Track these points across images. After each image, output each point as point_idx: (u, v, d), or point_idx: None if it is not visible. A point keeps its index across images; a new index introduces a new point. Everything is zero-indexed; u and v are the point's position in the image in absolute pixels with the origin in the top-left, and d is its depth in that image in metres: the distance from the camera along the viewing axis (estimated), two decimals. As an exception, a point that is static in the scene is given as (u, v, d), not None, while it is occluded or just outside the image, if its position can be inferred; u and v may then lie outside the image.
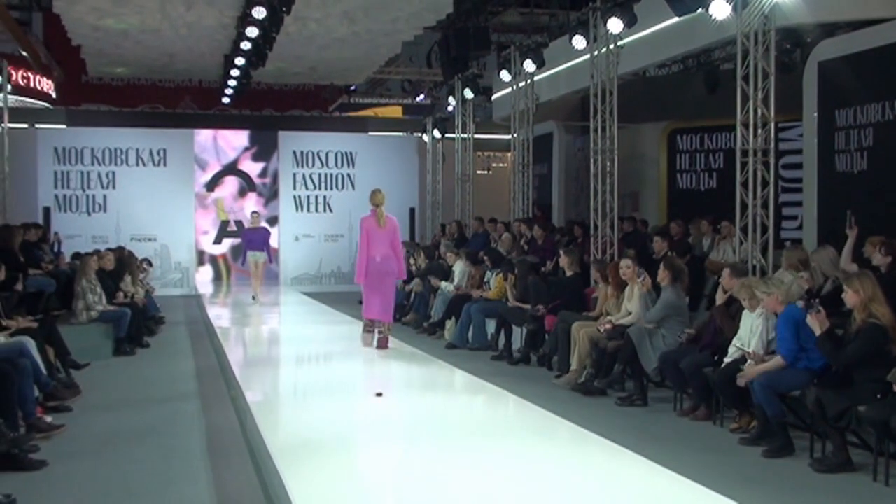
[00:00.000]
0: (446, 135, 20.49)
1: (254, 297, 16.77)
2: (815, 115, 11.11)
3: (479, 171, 21.55)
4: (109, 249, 13.65)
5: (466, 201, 18.78)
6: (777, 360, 6.90)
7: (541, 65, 14.98)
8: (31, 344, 8.06)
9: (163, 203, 20.73)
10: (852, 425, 6.25)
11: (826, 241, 9.20)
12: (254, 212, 17.79)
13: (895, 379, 5.85)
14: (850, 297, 6.40)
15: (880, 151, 10.15)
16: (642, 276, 8.95)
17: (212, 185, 21.60)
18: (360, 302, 11.47)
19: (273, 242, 19.36)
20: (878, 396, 5.98)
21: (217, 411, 8.27)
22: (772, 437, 6.78)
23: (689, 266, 10.21)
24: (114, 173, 20.79)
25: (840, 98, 10.71)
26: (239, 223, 21.60)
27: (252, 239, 16.70)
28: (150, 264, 16.61)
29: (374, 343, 10.55)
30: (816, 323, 6.41)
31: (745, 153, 9.97)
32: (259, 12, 13.54)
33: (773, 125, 9.89)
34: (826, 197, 10.91)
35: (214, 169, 21.62)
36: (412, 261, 15.26)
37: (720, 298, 8.08)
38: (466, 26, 15.94)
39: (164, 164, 21.03)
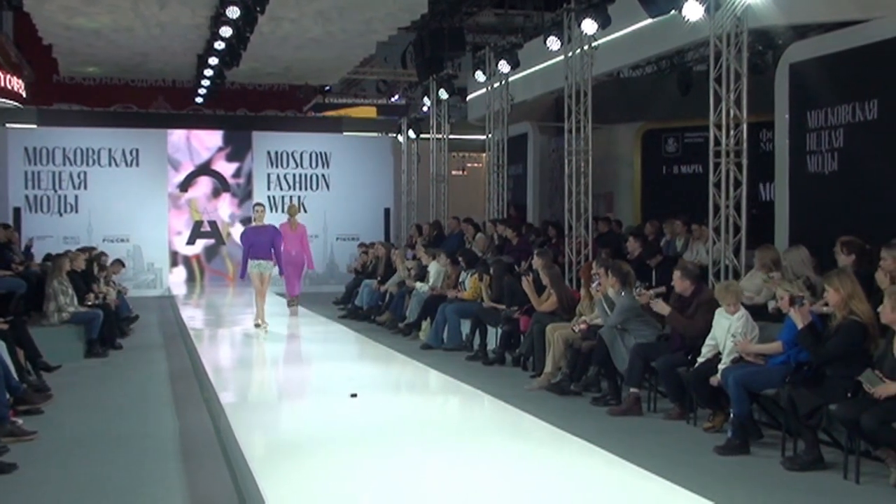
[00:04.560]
0: (421, 135, 20.47)
1: (258, 325, 12.49)
2: (787, 116, 11.20)
3: (453, 172, 21.55)
4: (80, 250, 13.53)
5: (441, 202, 18.79)
6: (776, 345, 7.02)
7: (515, 66, 15.00)
8: (0, 346, 7.97)
9: (135, 203, 20.55)
10: (823, 424, 6.32)
11: (798, 242, 9.28)
12: (257, 204, 13.00)
13: (866, 379, 5.91)
14: (830, 296, 6.49)
15: (851, 152, 10.26)
16: (597, 281, 8.98)
17: (185, 185, 21.44)
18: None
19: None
20: (849, 395, 6.05)
21: (190, 413, 8.22)
22: (744, 434, 6.84)
23: (661, 266, 10.32)
24: (86, 173, 20.59)
25: (811, 99, 10.80)
26: (213, 223, 21.48)
27: (255, 242, 12.37)
28: (123, 265, 16.47)
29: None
30: (799, 317, 6.51)
31: (717, 154, 10.04)
32: (233, 12, 13.45)
33: (745, 126, 9.97)
34: (798, 197, 11.01)
35: (188, 169, 21.46)
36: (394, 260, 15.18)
37: (661, 308, 8.13)
38: (441, 27, 15.92)
39: (137, 165, 20.85)
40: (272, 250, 12.46)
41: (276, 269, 12.58)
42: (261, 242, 12.34)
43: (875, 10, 10.04)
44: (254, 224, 12.65)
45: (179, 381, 9.91)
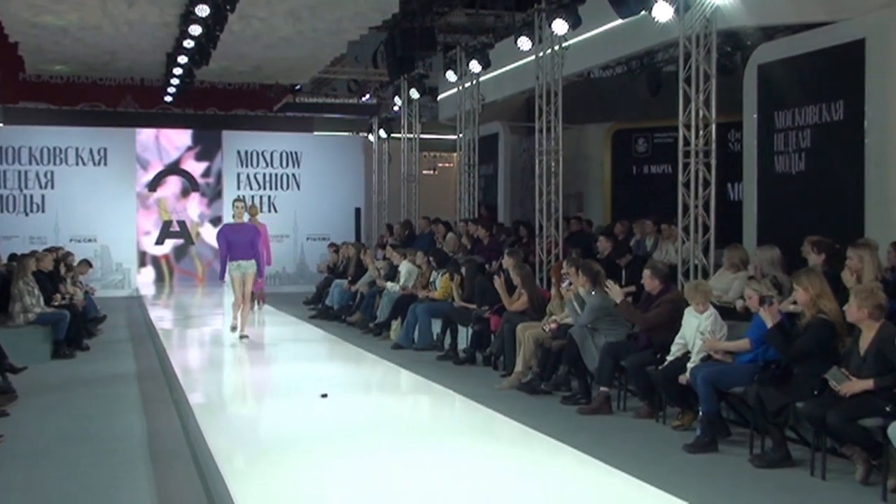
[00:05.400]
0: (392, 135, 20.43)
1: (234, 328, 11.41)
2: (755, 116, 11.30)
3: (424, 172, 21.54)
4: (47, 250, 13.37)
5: (412, 201, 18.78)
6: (744, 343, 7.08)
7: (486, 65, 15.03)
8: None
9: (103, 203, 20.34)
10: (791, 421, 6.39)
11: (765, 241, 9.37)
12: (237, 199, 11.88)
13: (832, 376, 5.98)
14: (799, 295, 6.56)
15: (817, 153, 10.36)
16: (567, 281, 9.01)
17: (154, 184, 21.27)
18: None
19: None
20: (816, 393, 6.11)
21: (159, 415, 8.16)
22: (712, 432, 6.89)
23: (631, 266, 10.38)
24: (52, 173, 20.36)
25: (779, 100, 10.90)
26: (182, 223, 21.32)
27: (234, 242, 11.18)
28: (90, 265, 16.27)
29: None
30: (768, 316, 6.56)
31: (686, 154, 10.10)
32: (202, 10, 13.36)
33: (714, 126, 10.04)
34: (765, 197, 11.11)
35: (156, 168, 21.29)
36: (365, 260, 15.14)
37: (615, 294, 8.19)
38: (412, 26, 15.90)
39: (105, 164, 20.65)
40: (254, 251, 11.34)
41: (255, 269, 11.37)
42: (240, 242, 11.20)
43: (841, 12, 10.15)
44: (232, 222, 11.58)
45: (148, 382, 9.83)
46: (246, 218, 11.78)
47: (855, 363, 6.03)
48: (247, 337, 11.27)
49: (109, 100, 22.24)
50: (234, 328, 11.39)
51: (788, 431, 6.54)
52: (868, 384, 5.85)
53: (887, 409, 5.66)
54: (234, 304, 11.45)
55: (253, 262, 11.24)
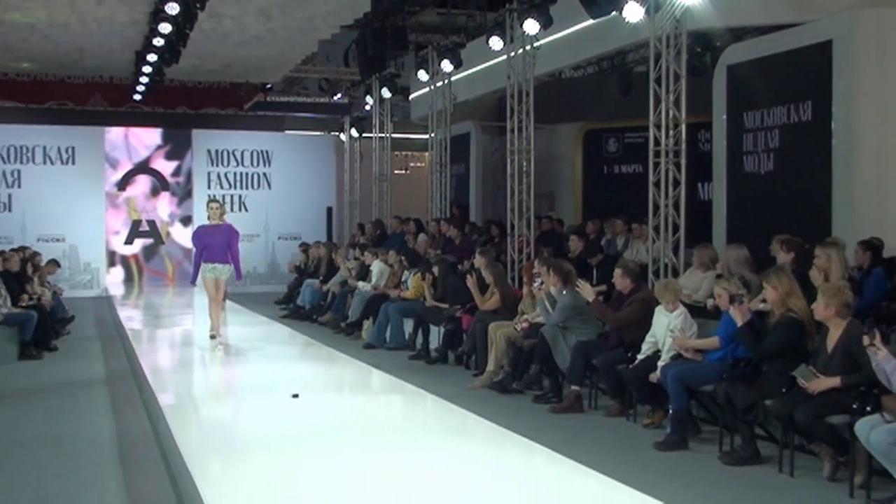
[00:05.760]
0: (364, 134, 20.40)
1: (213, 336, 11.04)
2: (725, 117, 11.39)
3: (396, 171, 21.51)
4: (14, 250, 13.21)
5: (384, 201, 18.76)
6: (713, 341, 7.13)
7: (458, 65, 15.03)
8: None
9: (71, 202, 20.10)
10: (760, 419, 6.45)
11: (735, 240, 9.45)
12: (212, 200, 11.54)
13: (800, 374, 6.04)
14: (768, 293, 6.62)
15: (786, 153, 10.46)
16: (539, 280, 9.04)
17: (123, 183, 21.07)
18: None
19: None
20: (784, 391, 6.17)
21: (128, 416, 8.08)
22: (682, 430, 6.94)
23: (602, 265, 10.42)
24: (19, 172, 20.10)
25: (748, 101, 11.00)
26: (151, 223, 21.15)
27: (209, 244, 10.89)
28: (58, 265, 16.08)
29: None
30: (739, 314, 6.62)
31: (657, 154, 10.17)
32: (172, 8, 13.27)
33: (684, 126, 10.12)
34: (735, 197, 11.20)
35: (126, 167, 21.09)
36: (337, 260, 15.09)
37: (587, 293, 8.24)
38: (384, 25, 15.87)
39: (73, 163, 20.43)
40: (229, 254, 10.92)
41: (234, 274, 11.03)
42: (216, 244, 10.82)
43: (809, 13, 10.26)
44: (207, 222, 11.13)
45: (117, 383, 9.74)
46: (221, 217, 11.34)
47: (822, 361, 6.09)
48: (219, 338, 11.03)
49: (78, 98, 22.01)
50: (213, 336, 11.02)
51: (757, 429, 6.60)
52: (835, 382, 5.91)
53: (854, 406, 5.73)
54: (209, 308, 11.07)
55: (227, 265, 10.85)
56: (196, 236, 11.16)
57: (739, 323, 6.62)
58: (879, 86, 9.11)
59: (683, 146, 10.11)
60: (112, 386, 9.62)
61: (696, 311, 8.05)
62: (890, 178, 8.03)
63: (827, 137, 9.86)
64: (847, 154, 9.64)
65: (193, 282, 11.60)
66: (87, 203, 20.35)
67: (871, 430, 5.33)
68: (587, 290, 8.20)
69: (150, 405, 8.00)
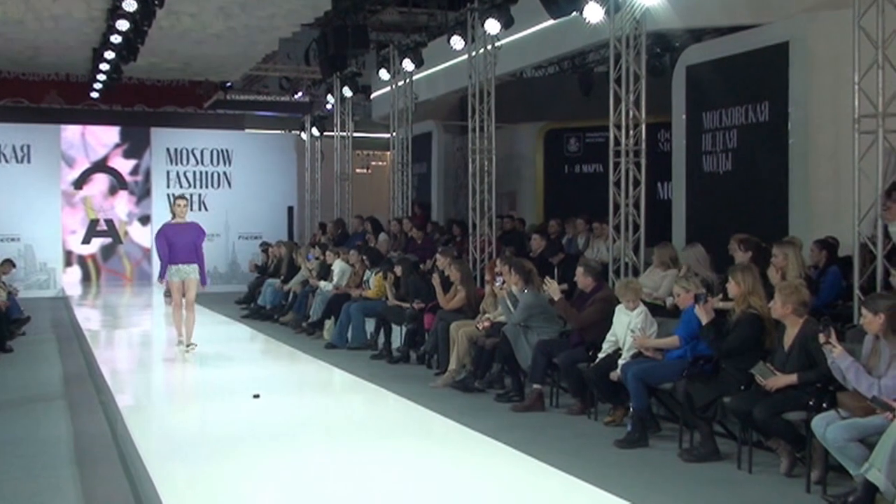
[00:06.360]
0: (325, 133, 20.31)
1: (181, 342, 10.35)
2: (684, 117, 11.50)
3: (358, 170, 21.47)
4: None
5: (345, 200, 18.71)
6: (673, 340, 7.19)
7: (419, 64, 15.02)
8: None
9: (27, 201, 19.76)
10: (718, 416, 6.52)
11: (694, 239, 9.54)
12: (178, 197, 10.67)
13: (758, 372, 6.12)
14: (731, 288, 6.71)
15: (744, 153, 10.59)
16: (500, 281, 9.06)
17: (80, 182, 20.79)
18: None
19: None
20: (742, 388, 6.25)
21: (86, 417, 7.98)
22: (643, 427, 6.99)
23: (563, 264, 10.48)
24: (-27, 170, 19.79)
25: (707, 101, 11.11)
26: (109, 222, 20.88)
27: (175, 243, 10.16)
28: (13, 265, 15.81)
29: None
30: (703, 313, 6.68)
31: (617, 153, 10.24)
32: (129, 5, 13.13)
33: (644, 126, 10.20)
34: (694, 196, 11.31)
35: (83, 166, 20.81)
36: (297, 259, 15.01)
37: (553, 292, 8.28)
38: (345, 24, 15.83)
39: (28, 161, 20.08)
40: (197, 254, 10.26)
41: (197, 275, 10.24)
42: (182, 243, 10.13)
43: (765, 15, 10.39)
44: (173, 221, 10.38)
45: (74, 384, 9.61)
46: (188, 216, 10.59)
47: (780, 359, 6.18)
48: (194, 346, 10.23)
49: (33, 95, 21.70)
50: (180, 343, 10.30)
51: (716, 426, 6.67)
52: (792, 379, 6.00)
53: (810, 402, 5.82)
54: (173, 314, 10.41)
55: (194, 266, 10.22)
56: (161, 235, 10.38)
57: (704, 321, 6.68)
58: (834, 87, 9.24)
59: (643, 146, 10.20)
60: (69, 387, 9.49)
61: (656, 309, 8.12)
62: (845, 178, 8.15)
63: (784, 137, 9.99)
64: (803, 154, 9.78)
65: (161, 279, 10.74)
66: (43, 202, 20.02)
67: (827, 427, 5.42)
68: (554, 289, 8.23)
69: (109, 407, 7.91)
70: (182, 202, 10.44)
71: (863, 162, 7.44)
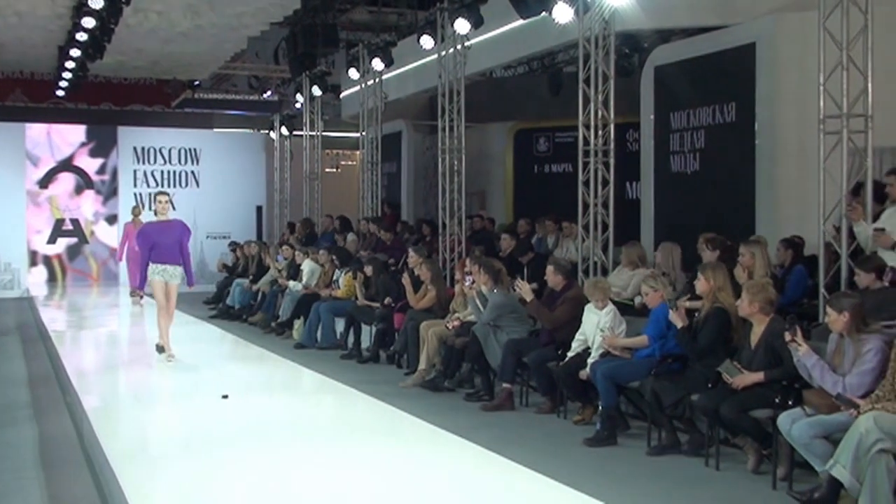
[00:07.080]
0: (294, 132, 20.24)
1: (160, 348, 9.73)
2: (652, 117, 11.57)
3: (327, 170, 21.39)
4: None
5: (314, 200, 18.64)
6: (642, 339, 7.24)
7: (389, 63, 15.00)
8: None
9: (-10, 201, 19.55)
10: (686, 414, 6.57)
11: (662, 238, 9.60)
12: (160, 194, 9.99)
13: (725, 369, 6.17)
14: (700, 284, 6.77)
15: (711, 153, 10.67)
16: (470, 280, 9.08)
17: (45, 181, 20.54)
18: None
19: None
20: (710, 386, 6.30)
21: (51, 419, 7.89)
22: (612, 426, 7.03)
23: (532, 263, 10.51)
24: (-64, 169, 19.49)
25: (675, 101, 11.18)
26: (75, 221, 20.66)
27: (158, 243, 9.58)
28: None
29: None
30: (678, 318, 6.73)
31: (586, 153, 10.29)
32: (96, 2, 13.00)
33: (612, 126, 10.25)
34: (662, 196, 11.38)
35: (48, 165, 20.57)
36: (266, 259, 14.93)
37: (525, 293, 8.30)
38: (314, 23, 15.78)
39: (-8, 160, 19.86)
40: (181, 254, 9.70)
41: (182, 276, 9.72)
42: (165, 243, 9.56)
43: (733, 16, 10.48)
44: (156, 219, 9.84)
45: (39, 386, 9.49)
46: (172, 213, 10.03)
47: (746, 356, 6.24)
48: (167, 352, 9.69)
49: (-4, 93, 21.45)
50: (160, 349, 9.74)
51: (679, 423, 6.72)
52: (758, 377, 6.06)
53: (776, 400, 5.88)
54: (158, 319, 9.77)
55: (178, 267, 9.63)
56: (143, 234, 9.86)
57: (679, 325, 6.72)
58: (801, 87, 9.33)
59: (612, 146, 10.26)
60: (34, 388, 9.38)
61: (625, 308, 8.17)
62: (811, 178, 8.24)
63: (750, 138, 10.08)
64: (770, 154, 9.87)
65: (141, 286, 10.42)
66: (8, 201, 19.77)
67: (792, 424, 5.48)
68: (525, 290, 8.23)
69: (74, 408, 7.82)
70: (164, 198, 9.80)
71: (827, 162, 7.54)
